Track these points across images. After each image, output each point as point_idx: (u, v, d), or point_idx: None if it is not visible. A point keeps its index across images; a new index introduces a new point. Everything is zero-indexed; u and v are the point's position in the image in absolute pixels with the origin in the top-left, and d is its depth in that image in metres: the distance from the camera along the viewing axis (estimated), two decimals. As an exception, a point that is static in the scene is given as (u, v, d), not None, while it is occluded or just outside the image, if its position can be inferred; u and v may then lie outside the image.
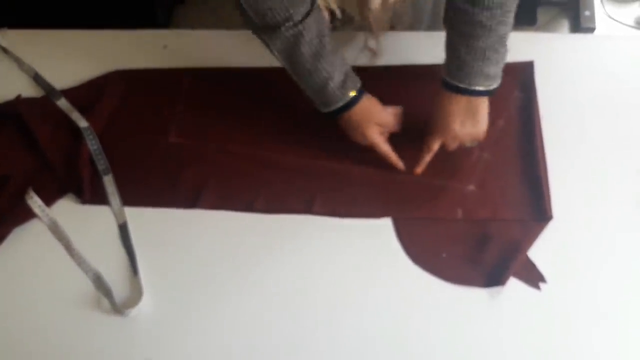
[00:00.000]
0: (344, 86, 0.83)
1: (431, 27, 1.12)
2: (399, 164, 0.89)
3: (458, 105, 0.83)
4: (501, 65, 0.83)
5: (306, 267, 0.84)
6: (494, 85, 0.83)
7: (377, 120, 0.87)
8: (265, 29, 0.80)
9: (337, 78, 0.82)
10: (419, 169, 0.88)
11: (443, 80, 0.84)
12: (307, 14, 0.78)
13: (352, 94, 0.84)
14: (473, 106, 0.83)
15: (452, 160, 0.91)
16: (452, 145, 0.87)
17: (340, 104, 0.84)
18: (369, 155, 0.91)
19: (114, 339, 0.80)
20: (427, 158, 0.88)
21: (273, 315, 0.81)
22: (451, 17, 0.81)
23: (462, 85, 0.81)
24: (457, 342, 0.78)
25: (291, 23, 0.77)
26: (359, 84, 0.86)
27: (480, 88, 0.82)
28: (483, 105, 0.84)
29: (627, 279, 0.80)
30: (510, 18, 0.79)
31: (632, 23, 1.96)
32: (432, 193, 0.89)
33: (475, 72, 0.80)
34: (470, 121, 0.84)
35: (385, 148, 0.88)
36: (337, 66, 0.83)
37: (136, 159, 0.95)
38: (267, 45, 0.82)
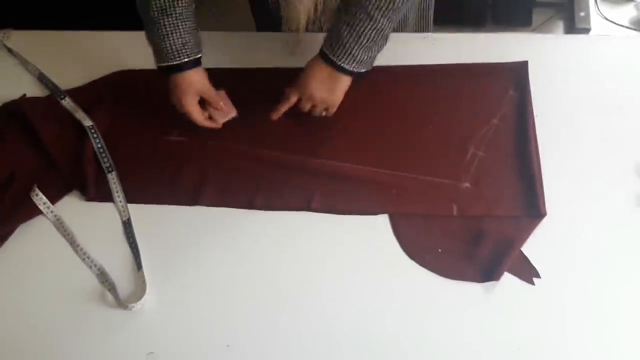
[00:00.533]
0: (178, 50, 0.86)
1: (416, 29, 1.14)
2: (207, 123, 0.93)
3: (322, 71, 0.87)
4: (373, 56, 0.87)
5: (305, 262, 0.85)
6: (361, 69, 0.86)
7: (197, 90, 0.90)
8: None
9: (174, 40, 0.85)
10: (275, 115, 0.93)
11: (321, 48, 0.87)
12: None
13: (184, 60, 0.87)
14: (334, 78, 0.88)
15: (447, 158, 0.92)
16: (306, 105, 0.92)
17: (166, 63, 0.87)
18: (367, 153, 0.93)
19: (117, 333, 0.81)
20: (283, 107, 0.93)
21: (273, 309, 0.82)
22: None
23: (331, 57, 0.85)
24: (452, 336, 0.79)
25: None
26: (196, 55, 0.88)
27: (346, 66, 0.85)
28: (343, 82, 0.89)
29: (619, 275, 0.82)
30: (395, 16, 0.83)
31: (626, 24, 1.97)
32: (428, 190, 0.90)
33: (347, 51, 0.84)
34: (326, 88, 0.89)
35: (197, 116, 0.91)
36: (180, 30, 0.85)
37: (139, 157, 0.96)
38: None
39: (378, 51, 0.87)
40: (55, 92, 1.02)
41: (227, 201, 0.91)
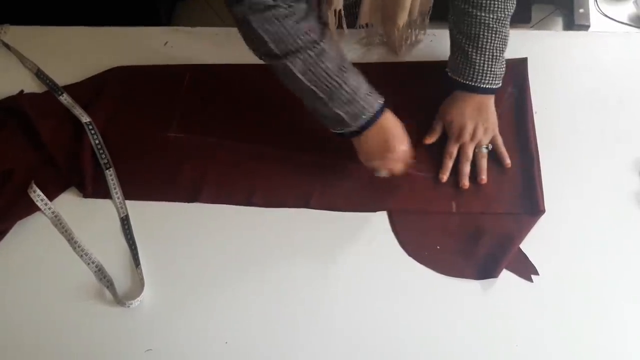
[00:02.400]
0: (372, 92, 0.81)
1: None
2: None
3: (471, 103, 0.88)
4: (504, 63, 0.88)
5: (303, 260, 0.85)
6: (500, 82, 0.88)
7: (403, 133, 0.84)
8: (285, 55, 0.76)
9: (365, 87, 0.80)
10: (444, 176, 0.90)
11: (454, 82, 0.88)
12: (323, 33, 0.78)
13: (381, 101, 0.81)
14: (483, 104, 0.88)
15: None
16: (469, 147, 0.90)
17: (372, 110, 0.80)
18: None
19: (115, 330, 0.81)
20: (449, 164, 0.90)
21: (271, 306, 0.82)
22: (457, 20, 0.86)
23: (473, 84, 0.86)
24: (450, 334, 0.79)
25: (312, 41, 0.75)
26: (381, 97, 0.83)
27: (489, 86, 0.87)
28: (491, 102, 0.89)
29: (617, 272, 0.82)
30: (509, 20, 0.85)
31: (625, 20, 1.97)
32: (427, 187, 0.90)
33: (485, 71, 0.85)
34: (481, 119, 0.89)
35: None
36: (361, 77, 0.81)
37: (137, 153, 0.96)
38: (285, 72, 0.78)
39: (504, 56, 0.88)
40: (53, 88, 1.02)
41: (225, 198, 0.91)
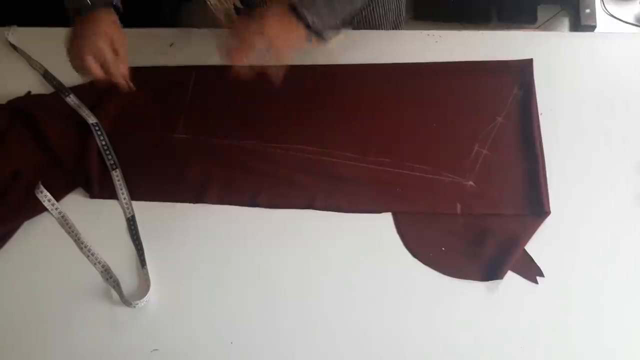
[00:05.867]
0: None
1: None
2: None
3: (279, 11, 0.81)
4: (333, 23, 0.82)
5: (308, 260, 0.85)
6: (318, 26, 0.81)
7: (106, 31, 0.85)
8: None
9: None
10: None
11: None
12: None
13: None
14: (290, 23, 0.81)
15: (451, 157, 0.92)
16: (255, 41, 0.81)
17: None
18: (371, 151, 0.93)
19: (121, 330, 0.82)
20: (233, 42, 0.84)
21: (277, 306, 0.82)
22: None
23: (299, 7, 0.80)
24: (455, 335, 0.79)
25: None
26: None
27: (307, 15, 0.80)
28: (296, 30, 0.81)
29: (623, 274, 0.82)
30: None
31: (632, 20, 1.97)
32: (432, 188, 0.90)
33: (316, 3, 0.80)
34: (279, 28, 0.81)
35: (108, 55, 0.86)
36: None
37: (144, 154, 0.97)
38: None
39: (339, 21, 0.82)
40: (60, 90, 1.02)
41: (231, 199, 0.91)
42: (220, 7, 0.95)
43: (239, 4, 0.97)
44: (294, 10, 0.80)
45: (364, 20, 1.11)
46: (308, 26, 0.80)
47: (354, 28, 1.09)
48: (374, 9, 1.10)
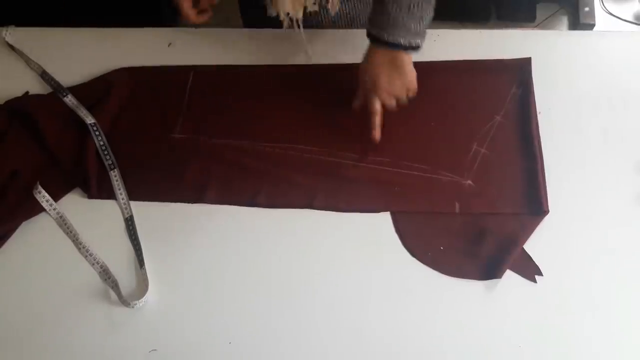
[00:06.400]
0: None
1: None
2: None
3: (382, 59, 0.85)
4: (424, 25, 0.84)
5: (307, 260, 0.85)
6: (416, 42, 0.84)
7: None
8: None
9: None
10: (377, 134, 0.91)
11: (368, 34, 0.85)
12: None
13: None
14: (397, 60, 0.85)
15: (450, 156, 0.92)
16: (389, 102, 0.89)
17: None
18: (369, 150, 0.93)
19: (120, 330, 0.82)
20: (377, 120, 0.90)
21: (275, 306, 0.82)
22: None
23: (385, 37, 0.82)
24: (454, 334, 0.79)
25: None
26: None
27: (402, 41, 0.83)
28: (407, 60, 0.86)
29: (621, 272, 0.82)
30: None
31: (631, 19, 1.97)
32: (430, 187, 0.90)
33: (399, 24, 0.81)
34: (396, 74, 0.86)
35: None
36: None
37: (142, 154, 0.96)
38: None
39: (428, 20, 0.84)
40: (57, 90, 1.02)
41: (229, 198, 0.91)
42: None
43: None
44: (392, 46, 0.83)
45: None
46: (407, 47, 0.84)
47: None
48: None
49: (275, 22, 0.98)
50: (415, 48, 0.85)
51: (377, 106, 0.90)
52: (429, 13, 0.84)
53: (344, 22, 1.08)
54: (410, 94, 0.91)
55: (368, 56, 0.88)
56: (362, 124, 0.95)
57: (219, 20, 1.07)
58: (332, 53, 1.03)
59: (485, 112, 0.96)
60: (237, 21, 1.23)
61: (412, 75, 0.89)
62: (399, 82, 0.88)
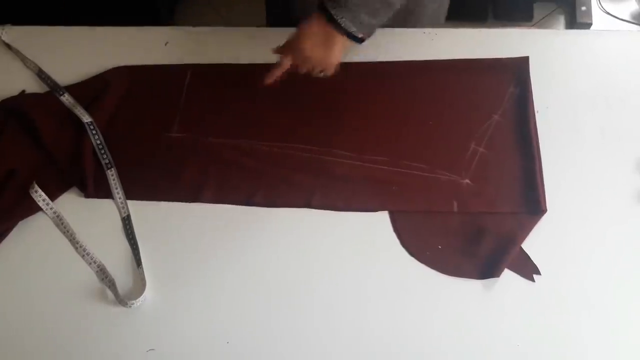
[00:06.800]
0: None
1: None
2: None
3: (317, 28, 0.83)
4: (375, 23, 0.83)
5: (304, 259, 0.85)
6: (358, 34, 0.82)
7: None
8: None
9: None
10: (268, 79, 0.89)
11: (320, 3, 0.83)
12: None
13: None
14: (332, 38, 0.83)
15: (448, 155, 0.92)
16: (302, 65, 0.87)
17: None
18: (367, 149, 0.93)
19: (117, 330, 0.82)
20: (277, 72, 0.88)
21: (272, 305, 0.82)
22: None
23: (333, 14, 0.80)
24: (452, 333, 0.79)
25: None
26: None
27: (347, 27, 0.81)
28: (339, 42, 0.83)
29: (619, 271, 0.82)
30: None
31: (628, 18, 1.97)
32: (429, 186, 0.90)
33: (350, 8, 0.80)
34: (323, 48, 0.84)
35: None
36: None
37: (139, 153, 0.96)
38: None
39: (381, 20, 0.83)
40: (54, 88, 1.02)
41: (227, 198, 0.91)
42: None
43: None
44: (333, 22, 0.81)
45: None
46: (349, 35, 0.82)
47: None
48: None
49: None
50: (354, 38, 0.83)
51: (287, 63, 0.87)
52: (385, 14, 0.82)
53: None
54: (323, 73, 0.88)
55: (309, 19, 0.84)
56: (359, 124, 0.96)
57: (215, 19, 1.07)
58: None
59: (483, 111, 0.96)
60: (234, 19, 1.23)
61: (335, 57, 0.85)
62: (319, 54, 0.84)
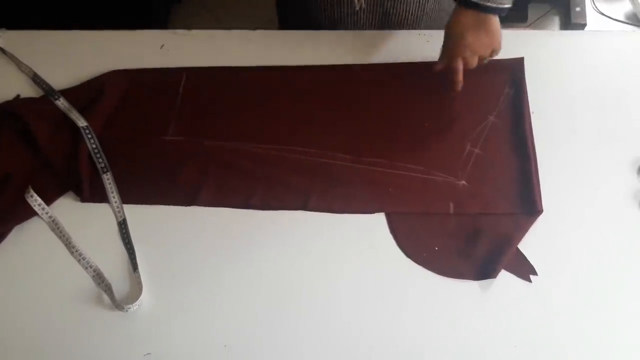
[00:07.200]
0: None
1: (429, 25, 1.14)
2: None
3: (468, 18, 0.86)
4: None
5: (301, 262, 0.85)
6: (505, 4, 0.85)
7: None
8: None
9: None
10: (458, 89, 0.92)
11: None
12: None
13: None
14: (484, 21, 0.86)
15: (444, 156, 0.92)
16: (472, 60, 0.90)
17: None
18: (363, 151, 0.93)
19: (114, 335, 0.81)
20: (458, 77, 0.91)
21: (270, 308, 0.82)
22: None
23: (479, 2, 0.84)
24: (449, 334, 0.79)
25: None
26: None
27: (491, 4, 0.84)
28: (494, 20, 0.87)
29: (615, 271, 0.82)
30: None
31: (622, 18, 1.97)
32: (425, 188, 0.90)
33: None
34: (483, 32, 0.87)
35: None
36: None
37: (135, 157, 0.96)
38: None
39: None
40: (49, 93, 1.02)
41: (223, 201, 0.91)
42: None
43: None
44: (481, 8, 0.84)
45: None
46: (497, 10, 0.85)
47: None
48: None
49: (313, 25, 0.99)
50: (503, 10, 0.86)
51: (459, 65, 0.90)
52: None
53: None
54: (494, 55, 0.92)
55: (454, 17, 0.88)
56: (355, 126, 0.96)
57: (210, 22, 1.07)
58: (324, 54, 1.03)
59: (479, 113, 0.96)
60: (229, 23, 1.23)
61: (498, 34, 0.89)
62: (486, 40, 0.88)
